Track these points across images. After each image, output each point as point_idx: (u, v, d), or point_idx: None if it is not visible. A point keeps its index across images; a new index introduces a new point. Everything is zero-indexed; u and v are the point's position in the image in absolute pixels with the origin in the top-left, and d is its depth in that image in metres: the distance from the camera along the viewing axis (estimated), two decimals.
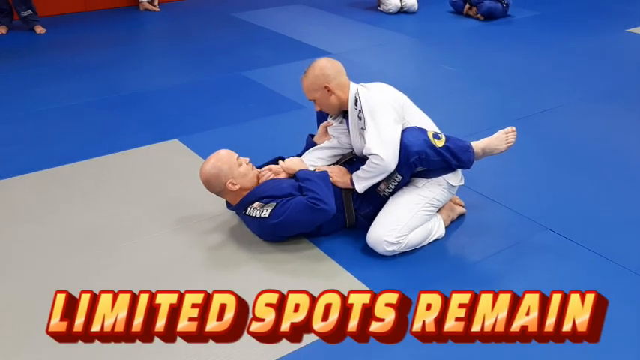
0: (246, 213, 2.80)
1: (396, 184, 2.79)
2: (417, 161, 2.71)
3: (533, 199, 3.28)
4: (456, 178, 2.89)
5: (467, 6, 7.18)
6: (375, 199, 2.87)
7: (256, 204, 2.78)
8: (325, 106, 2.93)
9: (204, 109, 4.56)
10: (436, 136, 2.76)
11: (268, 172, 2.96)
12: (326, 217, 2.74)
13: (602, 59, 5.70)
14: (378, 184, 2.81)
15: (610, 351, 2.26)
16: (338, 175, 2.89)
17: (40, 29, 6.62)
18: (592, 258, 2.80)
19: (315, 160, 3.02)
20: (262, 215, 2.73)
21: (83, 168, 3.64)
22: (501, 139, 2.98)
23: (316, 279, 2.65)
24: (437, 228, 2.91)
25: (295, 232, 2.83)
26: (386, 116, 2.75)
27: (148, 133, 4.11)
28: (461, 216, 3.11)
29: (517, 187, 3.43)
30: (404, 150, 2.70)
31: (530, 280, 2.64)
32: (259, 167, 3.06)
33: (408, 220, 2.76)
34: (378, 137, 2.70)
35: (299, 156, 3.08)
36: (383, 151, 2.67)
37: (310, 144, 3.12)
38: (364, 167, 2.77)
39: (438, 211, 2.95)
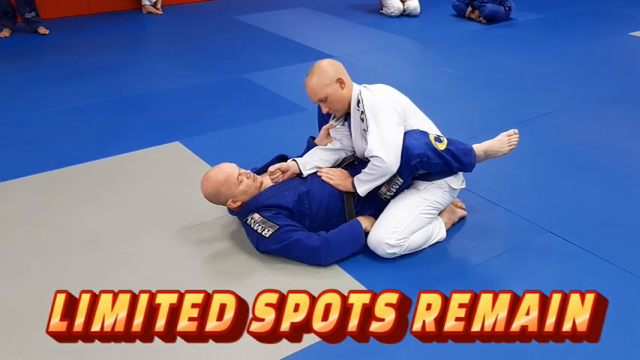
0: (247, 222, 2.80)
1: (397, 187, 2.79)
2: (419, 164, 2.70)
3: (535, 202, 3.28)
4: (457, 181, 2.89)
5: (469, 9, 7.20)
6: (376, 202, 2.87)
7: (257, 216, 2.76)
8: (337, 101, 2.85)
9: (206, 111, 4.56)
10: (438, 139, 2.75)
11: (278, 172, 2.94)
12: (314, 264, 2.75)
13: (605, 63, 5.70)
14: (379, 187, 2.81)
15: (610, 351, 2.25)
16: (340, 179, 2.89)
17: (43, 30, 6.69)
18: (594, 261, 2.79)
19: (318, 160, 3.00)
20: (263, 234, 2.73)
21: (85, 170, 3.65)
22: (504, 141, 2.97)
23: (317, 281, 2.65)
24: (438, 231, 2.90)
25: (290, 258, 2.79)
26: (388, 118, 2.74)
27: (150, 135, 4.11)
28: (462, 219, 3.11)
29: (518, 189, 3.43)
30: (405, 153, 2.69)
31: (531, 283, 2.63)
32: (263, 167, 3.06)
33: (408, 223, 2.75)
34: (380, 139, 2.70)
35: (300, 156, 3.07)
36: (384, 153, 2.67)
37: (311, 146, 3.11)
38: (365, 170, 2.77)
39: (439, 214, 2.94)
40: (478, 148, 2.92)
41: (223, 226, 3.06)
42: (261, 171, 3.05)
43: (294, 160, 3.01)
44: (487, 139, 3.01)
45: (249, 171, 2.89)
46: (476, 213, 3.16)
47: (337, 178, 2.89)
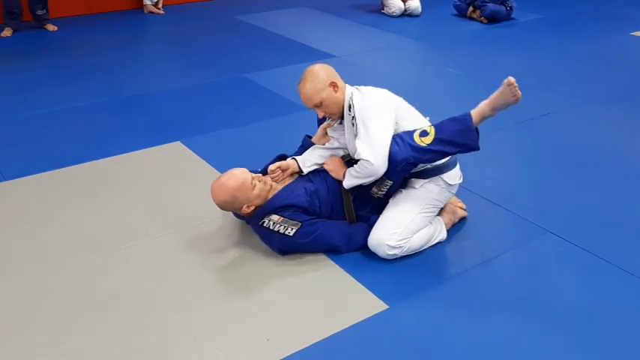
0: (264, 225, 2.78)
1: (387, 188, 2.78)
2: (406, 167, 2.69)
3: (536, 203, 3.27)
4: (454, 177, 2.87)
5: (470, 9, 7.18)
6: (372, 200, 2.87)
7: (276, 217, 2.76)
8: (332, 104, 2.85)
9: (206, 111, 4.56)
10: (423, 133, 2.69)
11: (278, 171, 2.94)
12: (329, 249, 2.82)
13: (606, 62, 5.69)
14: (370, 187, 2.81)
15: (610, 351, 2.25)
16: (334, 164, 2.90)
17: (51, 27, 6.81)
18: (594, 261, 2.79)
19: (317, 157, 3.00)
20: (286, 233, 2.73)
21: (86, 170, 3.65)
22: (506, 92, 2.82)
23: (316, 281, 2.65)
24: (438, 231, 2.90)
25: (313, 250, 2.82)
26: (377, 123, 2.72)
27: (150, 135, 4.11)
28: (462, 219, 3.10)
29: (519, 190, 3.42)
30: (390, 159, 2.67)
31: (531, 284, 2.63)
32: (264, 168, 3.05)
33: (408, 223, 2.75)
34: (369, 143, 2.68)
35: (298, 154, 3.07)
36: (373, 157, 2.65)
37: (307, 144, 3.11)
38: (355, 166, 2.76)
39: (439, 214, 2.94)
40: (483, 108, 2.83)
41: (225, 225, 3.06)
42: (262, 172, 3.04)
43: (293, 158, 3.01)
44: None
45: (259, 174, 2.89)
46: (476, 213, 3.16)
47: (332, 163, 2.90)
